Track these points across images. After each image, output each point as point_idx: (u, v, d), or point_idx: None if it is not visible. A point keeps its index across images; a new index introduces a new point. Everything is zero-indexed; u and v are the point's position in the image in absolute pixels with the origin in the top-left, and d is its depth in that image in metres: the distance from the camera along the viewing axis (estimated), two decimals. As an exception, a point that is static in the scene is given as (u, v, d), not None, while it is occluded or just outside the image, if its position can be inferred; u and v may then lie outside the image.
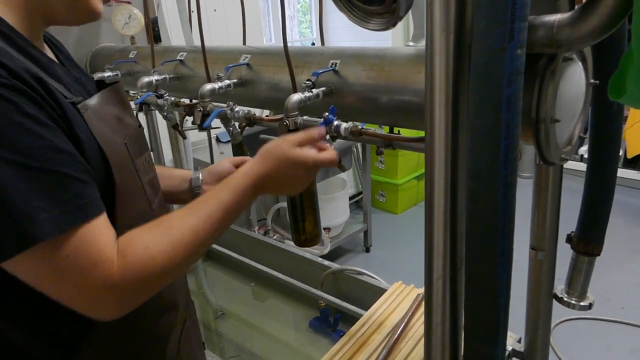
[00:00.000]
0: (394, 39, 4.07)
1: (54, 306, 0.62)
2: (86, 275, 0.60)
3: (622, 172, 3.77)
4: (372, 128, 1.03)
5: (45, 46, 0.78)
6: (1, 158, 0.55)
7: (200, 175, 1.05)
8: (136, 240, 0.66)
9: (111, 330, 0.74)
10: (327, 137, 1.01)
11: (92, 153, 0.68)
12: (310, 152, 0.83)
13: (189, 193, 1.04)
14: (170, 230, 0.69)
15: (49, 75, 0.67)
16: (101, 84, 0.84)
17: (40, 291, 0.61)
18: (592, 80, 0.78)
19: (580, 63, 0.75)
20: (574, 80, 0.74)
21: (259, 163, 0.82)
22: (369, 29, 0.79)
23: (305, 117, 0.97)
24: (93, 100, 0.74)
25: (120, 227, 0.68)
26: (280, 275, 1.99)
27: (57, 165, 0.59)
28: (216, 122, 1.18)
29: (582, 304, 0.99)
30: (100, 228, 0.63)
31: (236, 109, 1.16)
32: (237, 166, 1.03)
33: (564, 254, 0.98)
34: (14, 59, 0.61)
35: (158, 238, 0.67)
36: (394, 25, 0.75)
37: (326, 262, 1.96)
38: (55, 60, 0.78)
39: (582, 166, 0.84)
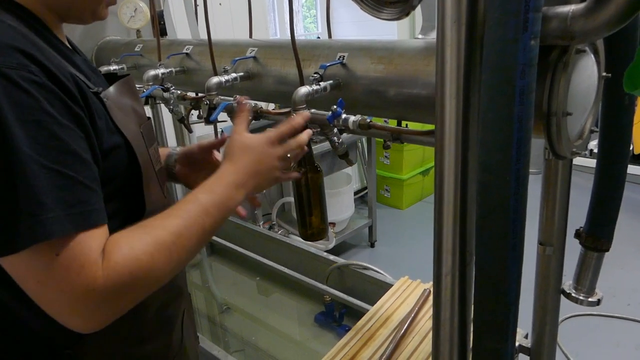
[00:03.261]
0: (399, 34, 4.04)
1: None
2: (72, 276, 0.58)
3: (629, 169, 3.74)
4: (379, 122, 1.02)
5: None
6: (17, 150, 0.55)
7: (176, 153, 1.04)
8: (121, 241, 0.63)
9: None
10: (335, 130, 1.01)
11: (113, 142, 0.69)
12: (285, 148, 0.83)
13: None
14: (154, 230, 0.66)
15: (72, 66, 0.68)
16: (110, 77, 0.85)
17: (24, 290, 0.60)
18: (604, 73, 0.77)
19: (592, 55, 0.74)
20: (586, 73, 0.73)
21: (236, 163, 0.79)
22: (381, 18, 0.78)
23: (312, 110, 0.96)
24: (111, 90, 0.75)
25: (146, 212, 0.71)
26: (285, 270, 1.99)
27: (68, 168, 0.59)
28: (222, 116, 1.17)
29: (590, 299, 0.98)
30: (99, 234, 0.62)
31: (243, 103, 1.16)
32: (205, 149, 1.02)
33: (572, 250, 0.97)
34: (49, 56, 0.62)
35: (143, 238, 0.65)
36: (407, 14, 0.73)
37: (332, 257, 1.96)
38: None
39: (591, 162, 0.84)
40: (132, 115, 0.79)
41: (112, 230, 0.64)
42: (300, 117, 0.87)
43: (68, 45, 0.78)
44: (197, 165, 1.03)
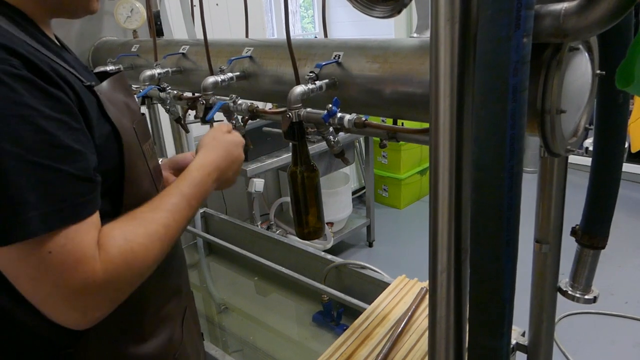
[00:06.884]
0: (396, 33, 4.04)
1: None
2: (67, 273, 0.58)
3: (626, 167, 3.72)
4: (375, 121, 1.03)
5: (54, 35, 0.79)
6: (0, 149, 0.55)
7: (161, 160, 1.05)
8: (115, 233, 0.64)
9: (119, 312, 0.74)
10: (331, 129, 1.01)
11: (105, 136, 0.70)
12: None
13: None
14: (146, 223, 0.68)
15: (62, 62, 0.68)
16: (102, 76, 0.85)
17: (17, 287, 0.59)
18: (598, 71, 0.77)
19: (586, 53, 0.74)
20: (580, 71, 0.73)
21: (211, 153, 0.87)
22: (373, 16, 0.78)
23: (308, 110, 0.96)
24: (104, 86, 0.76)
25: (126, 207, 0.71)
26: (283, 270, 1.99)
27: (55, 161, 0.58)
28: (219, 116, 1.17)
29: (586, 297, 0.99)
30: (89, 226, 0.62)
31: (239, 102, 1.16)
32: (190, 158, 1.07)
33: (569, 248, 0.98)
34: (28, 47, 0.62)
35: (136, 230, 0.67)
36: (398, 12, 0.73)
37: (329, 257, 1.96)
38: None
39: (586, 160, 0.84)
40: (125, 111, 0.79)
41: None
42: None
43: (57, 42, 0.78)
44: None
